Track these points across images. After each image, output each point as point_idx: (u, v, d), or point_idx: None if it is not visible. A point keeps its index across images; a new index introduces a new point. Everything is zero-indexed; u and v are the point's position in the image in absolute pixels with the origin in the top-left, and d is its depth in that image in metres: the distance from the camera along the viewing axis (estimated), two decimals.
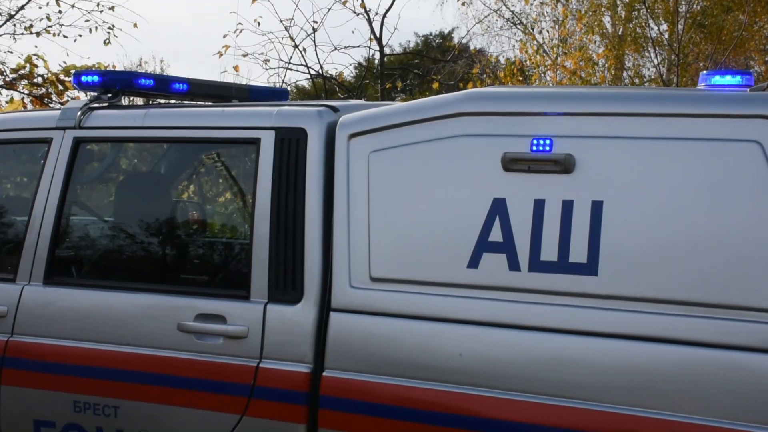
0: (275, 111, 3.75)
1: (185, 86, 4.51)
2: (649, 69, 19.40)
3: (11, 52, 17.71)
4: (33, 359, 3.96)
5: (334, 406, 3.42)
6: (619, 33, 17.18)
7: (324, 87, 13.44)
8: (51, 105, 11.98)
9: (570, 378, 3.11)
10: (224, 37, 12.77)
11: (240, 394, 3.57)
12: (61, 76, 12.07)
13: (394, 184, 3.41)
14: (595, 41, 17.18)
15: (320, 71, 12.78)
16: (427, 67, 19.67)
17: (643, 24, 17.67)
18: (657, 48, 17.62)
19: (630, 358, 3.05)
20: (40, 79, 12.18)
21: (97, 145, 4.41)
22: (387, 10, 12.67)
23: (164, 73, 18.03)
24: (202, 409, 3.64)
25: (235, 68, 13.29)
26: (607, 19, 17.39)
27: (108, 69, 11.49)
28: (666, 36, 17.55)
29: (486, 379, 3.21)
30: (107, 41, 13.47)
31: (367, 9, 12.61)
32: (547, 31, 18.56)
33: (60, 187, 4.06)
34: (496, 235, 3.23)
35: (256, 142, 3.71)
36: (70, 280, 4.07)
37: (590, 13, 16.95)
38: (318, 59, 13.69)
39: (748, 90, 3.23)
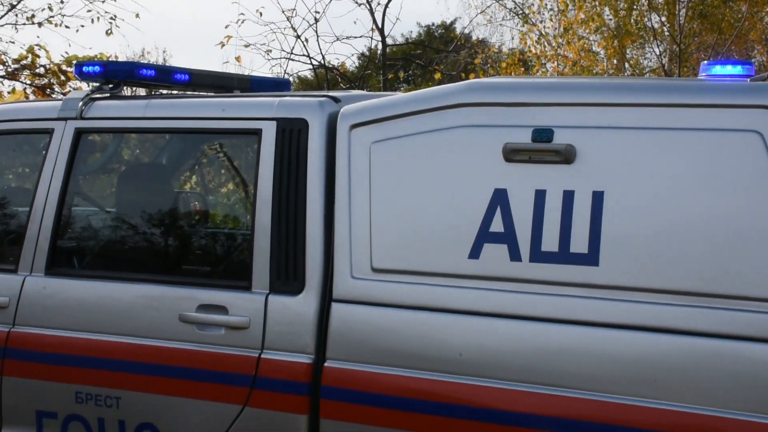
0: (276, 101, 3.75)
1: (187, 77, 4.50)
2: (650, 60, 19.38)
3: (13, 43, 17.68)
4: (35, 350, 3.96)
5: (336, 396, 3.43)
6: (620, 24, 17.14)
7: (326, 77, 13.44)
8: (53, 95, 11.98)
9: (571, 368, 3.11)
10: (226, 27, 12.78)
11: (242, 384, 3.58)
12: (63, 67, 12.07)
13: (395, 175, 3.41)
14: (594, 30, 17.15)
15: (322, 62, 12.78)
16: (429, 57, 19.64)
17: (643, 14, 17.64)
18: (658, 39, 17.60)
19: (631, 348, 3.06)
20: (42, 70, 12.18)
21: (98, 136, 4.41)
22: (389, 1, 12.67)
23: (166, 64, 18.03)
24: (203, 400, 3.65)
25: (237, 59, 13.31)
26: (607, 11, 17.34)
27: (110, 60, 11.49)
28: (667, 26, 17.52)
29: (487, 370, 3.21)
30: (109, 32, 13.47)
31: None
32: (550, 20, 18.53)
33: (61, 178, 4.06)
34: (497, 225, 3.23)
35: (257, 133, 3.71)
36: (72, 271, 4.08)
37: (589, 4, 16.91)
38: (320, 50, 13.71)
39: (748, 80, 3.23)
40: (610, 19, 17.28)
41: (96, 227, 4.38)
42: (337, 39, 12.70)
